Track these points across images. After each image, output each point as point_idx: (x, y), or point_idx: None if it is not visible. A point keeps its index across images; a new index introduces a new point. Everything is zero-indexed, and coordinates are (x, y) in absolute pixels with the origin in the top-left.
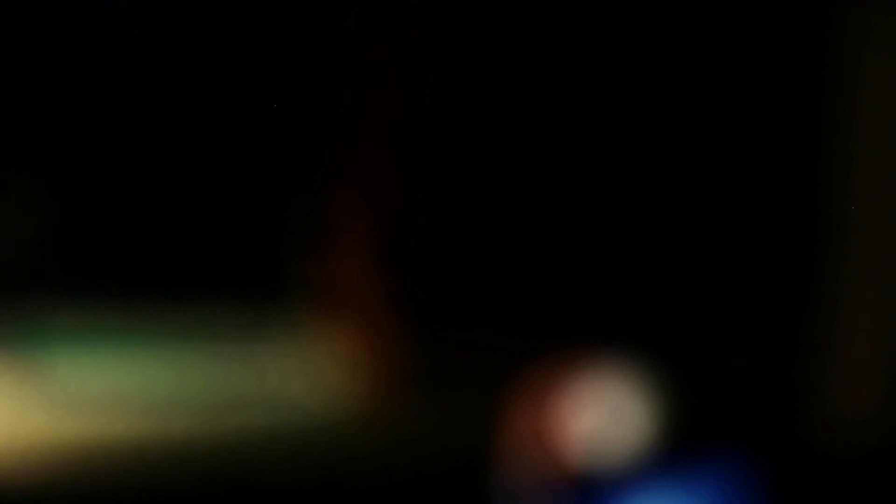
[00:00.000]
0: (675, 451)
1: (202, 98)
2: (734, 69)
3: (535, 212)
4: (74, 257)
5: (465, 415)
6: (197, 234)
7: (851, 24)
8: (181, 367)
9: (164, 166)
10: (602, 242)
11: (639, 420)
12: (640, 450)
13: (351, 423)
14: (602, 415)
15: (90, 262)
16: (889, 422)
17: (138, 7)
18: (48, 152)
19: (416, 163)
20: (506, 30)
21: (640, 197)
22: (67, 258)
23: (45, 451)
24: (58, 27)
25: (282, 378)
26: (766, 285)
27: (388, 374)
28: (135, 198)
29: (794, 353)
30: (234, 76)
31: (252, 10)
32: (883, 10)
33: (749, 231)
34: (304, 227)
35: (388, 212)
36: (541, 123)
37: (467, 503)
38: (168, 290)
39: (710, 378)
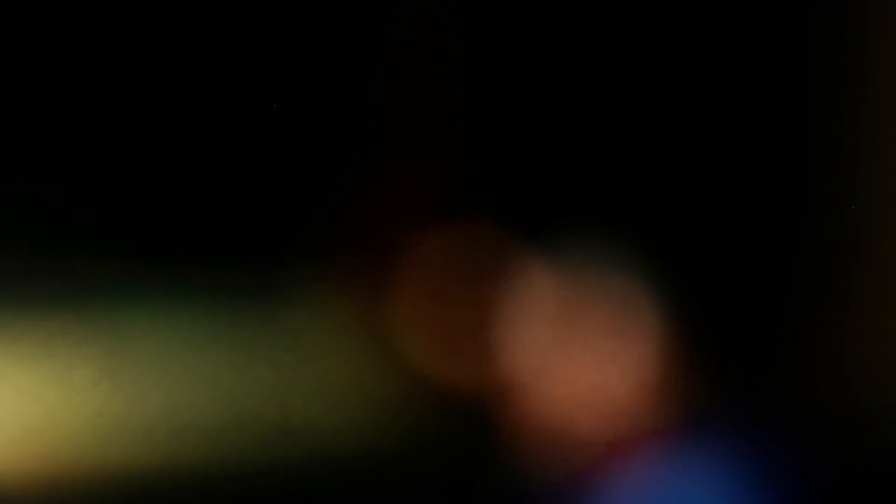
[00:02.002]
0: (695, 433)
1: (243, 80)
2: (740, 67)
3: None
4: (128, 226)
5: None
6: (243, 203)
7: (855, 21)
8: (231, 334)
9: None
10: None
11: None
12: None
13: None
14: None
15: (145, 230)
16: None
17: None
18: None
19: (449, 136)
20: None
21: (644, 199)
22: (121, 226)
23: (98, 411)
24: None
25: (331, 349)
26: (793, 269)
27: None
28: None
29: (819, 338)
30: (269, 59)
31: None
32: (886, 8)
33: (780, 213)
34: (349, 200)
35: (424, 188)
36: (573, 105)
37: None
38: (221, 256)
39: (734, 358)
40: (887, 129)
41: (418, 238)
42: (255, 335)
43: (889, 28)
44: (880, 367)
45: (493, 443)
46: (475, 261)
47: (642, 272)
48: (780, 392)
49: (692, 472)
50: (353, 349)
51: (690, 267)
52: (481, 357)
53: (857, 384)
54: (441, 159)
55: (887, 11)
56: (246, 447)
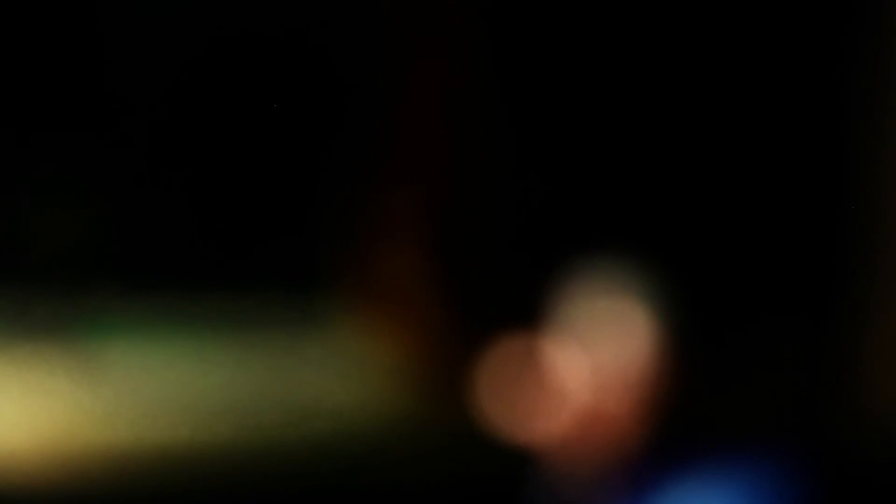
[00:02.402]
0: (707, 440)
1: (252, 92)
2: (777, 73)
3: (581, 206)
4: (126, 251)
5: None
6: (247, 227)
7: (884, 28)
8: (228, 359)
9: (217, 162)
10: (649, 233)
11: (668, 404)
12: (669, 435)
13: (393, 420)
14: (633, 405)
15: (142, 256)
16: None
17: (189, 19)
18: (103, 148)
19: (461, 157)
20: (543, 31)
21: (684, 192)
22: (119, 252)
23: (94, 438)
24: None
25: (328, 373)
26: (801, 277)
27: (431, 369)
28: (188, 193)
29: (825, 344)
30: (281, 74)
31: (295, 15)
32: None
33: (785, 223)
34: (352, 223)
35: (434, 207)
36: (579, 120)
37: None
38: (216, 282)
39: (743, 365)
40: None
41: (432, 265)
42: (261, 361)
43: None
44: (889, 380)
45: (510, 458)
46: (489, 285)
47: (659, 297)
48: (793, 409)
49: (707, 488)
50: (364, 374)
51: (710, 293)
52: (495, 375)
53: (869, 399)
54: (460, 191)
55: None
56: (271, 459)
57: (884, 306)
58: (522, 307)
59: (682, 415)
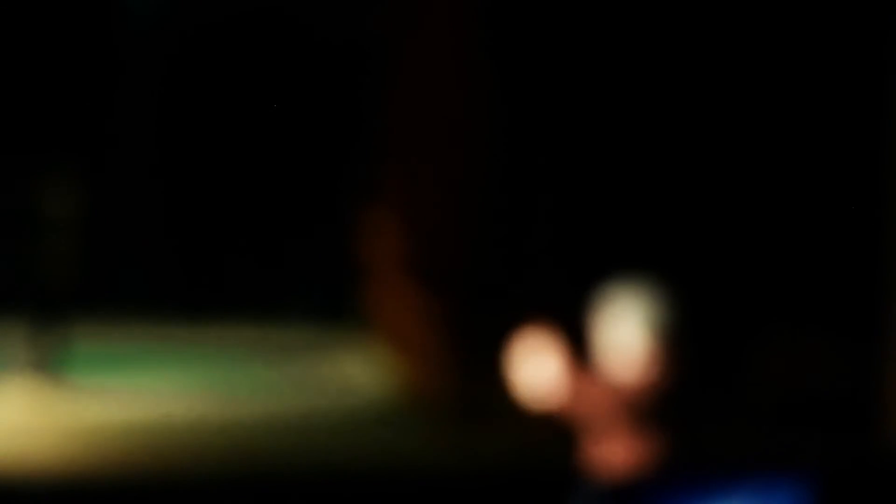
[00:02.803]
0: (727, 462)
1: (247, 117)
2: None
3: (584, 224)
4: (106, 278)
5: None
6: (234, 251)
7: None
8: (212, 387)
9: (205, 185)
10: (670, 244)
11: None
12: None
13: (399, 434)
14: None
15: (122, 284)
16: None
17: (185, 16)
18: (82, 174)
19: (460, 181)
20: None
21: (714, 198)
22: (99, 279)
23: (70, 466)
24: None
25: (323, 393)
26: (832, 304)
27: (436, 384)
28: (175, 217)
29: (854, 369)
30: (281, 94)
31: (297, 22)
32: None
33: (817, 235)
34: (350, 246)
35: (435, 231)
36: (581, 142)
37: None
38: (201, 309)
39: (768, 390)
40: None
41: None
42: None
43: None
44: None
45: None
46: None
47: (679, 317)
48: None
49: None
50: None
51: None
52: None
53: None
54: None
55: None
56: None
57: None
58: (535, 320)
59: (702, 438)
